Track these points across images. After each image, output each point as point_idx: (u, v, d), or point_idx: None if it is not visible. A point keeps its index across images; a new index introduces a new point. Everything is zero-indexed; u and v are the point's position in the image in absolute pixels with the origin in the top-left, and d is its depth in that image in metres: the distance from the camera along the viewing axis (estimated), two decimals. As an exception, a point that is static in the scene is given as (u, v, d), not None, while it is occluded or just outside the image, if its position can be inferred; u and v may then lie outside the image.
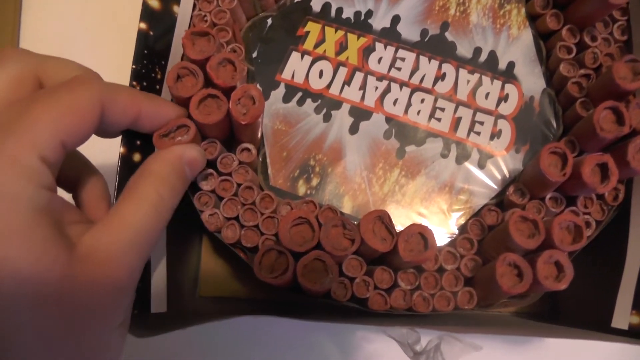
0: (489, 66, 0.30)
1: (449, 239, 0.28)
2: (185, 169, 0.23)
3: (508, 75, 0.30)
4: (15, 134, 0.17)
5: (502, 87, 0.30)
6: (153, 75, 0.27)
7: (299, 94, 0.30)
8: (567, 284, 0.25)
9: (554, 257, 0.25)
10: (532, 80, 0.30)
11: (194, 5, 0.30)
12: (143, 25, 0.27)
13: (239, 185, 0.27)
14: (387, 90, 0.30)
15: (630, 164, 0.26)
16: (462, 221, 0.28)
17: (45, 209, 0.17)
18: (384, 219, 0.25)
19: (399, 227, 0.27)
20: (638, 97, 0.26)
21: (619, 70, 0.27)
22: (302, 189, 0.28)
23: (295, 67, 0.30)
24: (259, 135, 0.29)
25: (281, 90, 0.30)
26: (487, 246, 0.27)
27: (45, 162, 0.18)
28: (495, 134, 0.29)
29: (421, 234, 0.25)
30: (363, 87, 0.30)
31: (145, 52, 0.27)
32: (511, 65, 0.30)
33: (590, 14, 0.28)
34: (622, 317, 0.26)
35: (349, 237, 0.25)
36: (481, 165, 0.29)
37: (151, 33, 0.27)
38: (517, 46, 0.30)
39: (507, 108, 0.29)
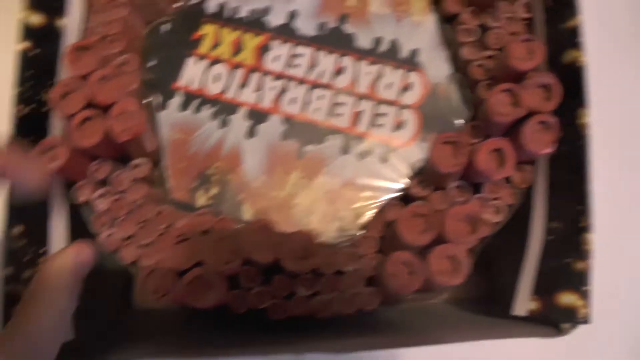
0: (391, 55, 0.29)
1: (351, 238, 0.27)
2: (80, 270, 0.22)
3: (411, 63, 0.29)
4: None
5: (406, 76, 0.29)
6: (38, 97, 0.27)
7: (196, 101, 0.29)
8: (463, 278, 0.24)
9: (449, 252, 0.24)
10: (437, 66, 0.29)
11: (85, 17, 0.30)
12: (24, 45, 0.27)
13: (134, 202, 0.27)
14: (285, 89, 0.29)
15: (527, 146, 0.25)
16: (365, 219, 0.27)
17: None
18: (267, 229, 0.24)
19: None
20: (534, 76, 0.25)
21: (514, 51, 0.26)
22: (201, 200, 0.28)
23: (191, 73, 0.30)
24: (152, 147, 0.28)
25: (178, 98, 0.29)
26: (387, 244, 0.26)
27: None
28: (399, 125, 0.28)
29: (305, 241, 0.24)
30: (260, 88, 0.29)
31: (31, 72, 0.27)
32: (415, 52, 0.29)
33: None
34: (523, 304, 0.25)
35: (232, 251, 0.24)
36: (384, 159, 0.28)
37: (36, 51, 0.27)
38: (421, 32, 0.29)
39: (412, 97, 0.28)
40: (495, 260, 0.28)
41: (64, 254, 0.22)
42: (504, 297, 0.27)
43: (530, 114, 0.25)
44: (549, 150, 0.25)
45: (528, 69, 0.25)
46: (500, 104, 0.25)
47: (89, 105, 0.26)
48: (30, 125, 0.26)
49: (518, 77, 0.26)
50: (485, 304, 0.29)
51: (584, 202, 0.25)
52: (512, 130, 0.26)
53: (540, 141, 0.25)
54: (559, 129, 0.25)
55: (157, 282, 0.24)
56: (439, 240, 0.24)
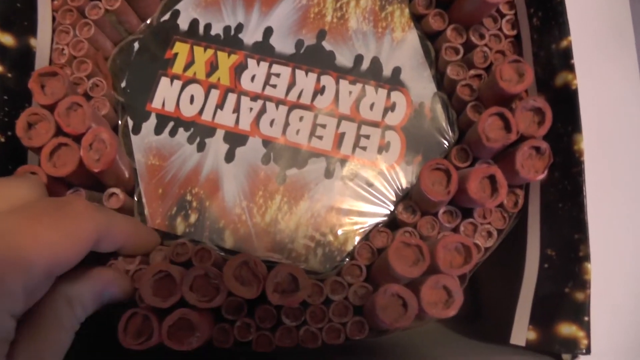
0: (373, 74, 0.28)
1: (337, 267, 0.26)
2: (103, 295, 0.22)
3: (394, 82, 0.28)
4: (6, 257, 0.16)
5: (388, 96, 0.28)
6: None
7: (171, 124, 0.28)
8: (456, 309, 0.23)
9: (441, 282, 0.23)
10: (421, 85, 0.28)
11: (52, 38, 0.28)
12: (-2, 69, 0.25)
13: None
14: (263, 110, 0.28)
15: (519, 173, 0.24)
16: (351, 245, 0.26)
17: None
18: (249, 264, 0.23)
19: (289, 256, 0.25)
20: (524, 99, 0.24)
21: (503, 72, 0.25)
22: (180, 227, 0.26)
23: (166, 94, 0.28)
24: (127, 174, 0.27)
25: (152, 121, 0.28)
26: (375, 273, 0.25)
27: (25, 289, 0.17)
28: (383, 147, 0.27)
29: (291, 274, 0.23)
30: (237, 109, 0.28)
31: (5, 97, 0.25)
32: (397, 71, 0.28)
33: (473, 13, 0.26)
34: (520, 333, 0.25)
35: (215, 286, 0.23)
36: (369, 183, 0.27)
37: (9, 75, 0.26)
38: (403, 50, 0.28)
39: (395, 117, 0.27)
40: (489, 285, 0.27)
41: (83, 280, 0.20)
42: (500, 325, 0.27)
43: (520, 139, 0.25)
44: (541, 176, 0.24)
45: (517, 92, 0.25)
46: (490, 129, 0.25)
47: (59, 133, 0.25)
48: (9, 153, 0.25)
49: (506, 99, 0.25)
50: (476, 326, 0.29)
51: (582, 230, 0.24)
52: (502, 154, 0.26)
53: (533, 167, 0.25)
54: (552, 154, 0.24)
55: (140, 325, 0.23)
56: (431, 270, 0.24)
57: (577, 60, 0.25)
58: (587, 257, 0.24)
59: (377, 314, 0.23)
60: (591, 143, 0.25)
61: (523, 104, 0.25)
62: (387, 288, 0.23)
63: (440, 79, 0.28)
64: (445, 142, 0.28)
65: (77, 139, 0.25)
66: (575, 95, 0.25)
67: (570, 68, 0.25)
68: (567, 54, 0.25)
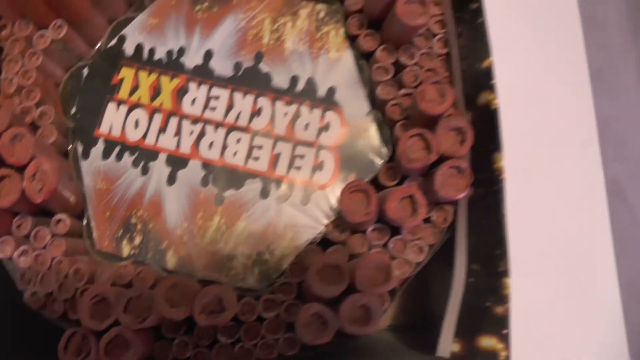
0: (308, 95, 0.29)
1: (274, 284, 0.27)
2: None
3: (328, 102, 0.29)
4: None
5: (323, 116, 0.28)
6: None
7: (117, 148, 0.29)
8: (376, 327, 0.24)
9: (360, 301, 0.24)
10: (355, 105, 0.28)
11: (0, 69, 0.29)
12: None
13: (53, 259, 0.27)
14: (202, 133, 0.29)
15: (439, 192, 0.25)
16: (286, 263, 0.27)
17: None
18: (179, 285, 0.24)
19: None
20: (445, 119, 0.25)
21: (425, 93, 0.25)
22: (126, 250, 0.28)
23: (112, 119, 0.29)
24: (75, 199, 0.28)
25: (100, 146, 0.29)
26: (304, 290, 0.26)
27: None
28: (317, 167, 0.28)
29: (217, 295, 0.24)
30: (178, 133, 0.29)
31: None
32: (332, 90, 0.29)
33: (401, 33, 0.27)
34: (446, 345, 0.26)
35: (148, 307, 0.24)
36: (304, 202, 0.28)
37: None
38: (338, 70, 0.29)
39: (329, 137, 0.28)
40: (422, 297, 0.28)
41: None
42: (431, 336, 0.28)
43: (443, 158, 0.25)
44: (462, 195, 0.25)
45: (439, 113, 0.25)
46: (411, 150, 0.25)
47: (2, 164, 0.26)
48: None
49: (432, 119, 0.26)
50: (410, 336, 0.29)
51: (502, 246, 0.25)
52: (429, 173, 0.26)
53: (454, 186, 0.25)
54: (474, 172, 0.25)
55: (79, 343, 0.25)
56: (352, 290, 0.24)
57: (502, 80, 0.25)
58: (506, 273, 0.25)
59: (299, 332, 0.24)
60: (513, 161, 0.26)
61: (444, 124, 0.25)
62: (309, 307, 0.24)
63: (373, 98, 0.29)
64: (379, 161, 0.28)
65: (21, 169, 0.26)
66: (495, 114, 0.25)
67: (491, 88, 0.25)
68: (489, 74, 0.25)
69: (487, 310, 0.25)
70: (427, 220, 0.27)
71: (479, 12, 0.26)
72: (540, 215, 0.32)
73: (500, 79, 0.25)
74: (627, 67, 0.66)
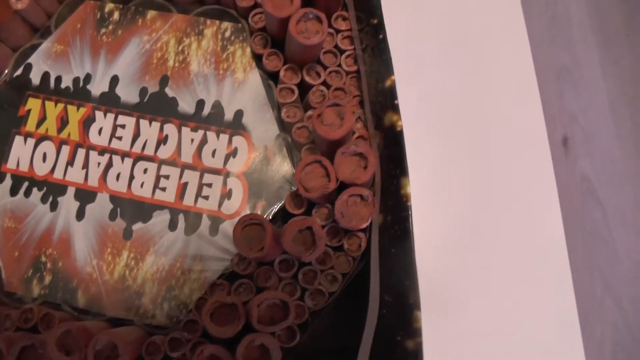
0: (214, 119, 0.27)
1: (183, 320, 0.26)
2: None
3: (236, 126, 0.27)
4: None
5: (230, 141, 0.27)
6: None
7: (26, 184, 0.28)
8: (276, 367, 0.23)
9: (257, 341, 0.23)
10: (263, 128, 0.27)
11: None
12: None
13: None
14: (110, 164, 0.27)
15: (339, 222, 0.23)
16: (195, 298, 0.26)
17: None
18: (71, 332, 0.23)
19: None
20: (346, 145, 0.23)
21: (324, 117, 0.24)
22: (36, 290, 0.27)
23: (20, 153, 0.28)
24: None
25: (8, 182, 0.28)
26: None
27: None
28: (225, 195, 0.27)
29: (111, 341, 0.23)
30: (86, 165, 0.28)
31: None
32: (239, 114, 0.27)
33: (302, 53, 0.25)
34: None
35: (42, 356, 0.23)
36: (212, 233, 0.26)
37: None
38: (245, 91, 0.27)
39: (237, 164, 0.27)
40: (335, 329, 0.27)
41: None
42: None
43: (345, 186, 0.24)
44: (365, 224, 0.24)
45: (337, 138, 0.23)
46: (308, 178, 0.24)
47: None
48: None
49: (335, 143, 0.24)
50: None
51: (411, 277, 0.23)
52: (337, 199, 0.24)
53: (357, 215, 0.24)
54: (383, 197, 0.23)
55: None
56: (249, 329, 0.23)
57: (405, 99, 0.24)
58: (417, 305, 0.23)
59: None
60: (419, 186, 0.24)
61: (343, 150, 0.24)
62: (203, 349, 0.23)
63: (282, 121, 0.27)
64: (287, 187, 0.27)
65: None
66: (400, 136, 0.23)
67: (395, 108, 0.23)
68: (392, 93, 0.24)
69: (398, 344, 0.24)
70: (339, 248, 0.26)
71: (379, 27, 0.24)
72: (449, 244, 0.30)
73: (405, 98, 0.24)
74: (592, 64, 0.63)
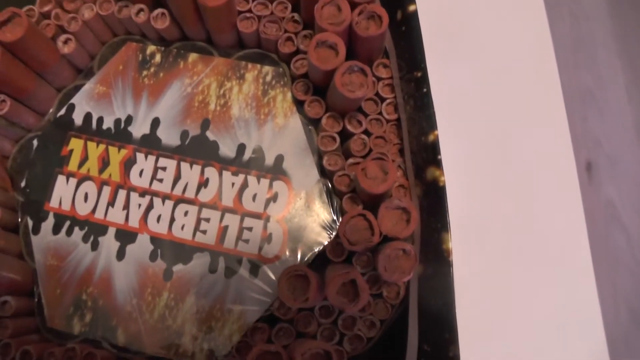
0: (255, 164, 0.28)
1: (222, 363, 0.27)
2: None
3: (276, 171, 0.28)
4: None
5: (270, 186, 0.28)
6: None
7: (67, 223, 0.29)
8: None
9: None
10: (303, 173, 0.28)
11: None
12: None
13: (1, 341, 0.27)
14: (150, 206, 0.28)
15: (382, 276, 0.24)
16: (235, 340, 0.27)
17: None
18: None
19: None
20: (391, 198, 0.24)
21: (367, 170, 0.24)
22: (77, 327, 0.28)
23: (62, 192, 0.29)
24: (20, 279, 0.28)
25: (51, 220, 0.29)
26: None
27: None
28: (265, 239, 0.27)
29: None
30: (126, 206, 0.28)
31: None
32: (279, 159, 0.28)
33: (344, 103, 0.26)
34: None
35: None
36: (252, 276, 0.27)
37: None
38: (285, 136, 0.28)
39: (277, 208, 0.28)
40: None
41: None
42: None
43: (388, 239, 0.24)
44: (407, 278, 0.24)
45: (382, 192, 0.24)
46: (352, 231, 0.24)
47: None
48: None
49: (377, 196, 0.25)
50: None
51: (451, 330, 0.24)
52: (377, 248, 0.25)
53: (398, 269, 0.24)
54: (423, 249, 0.24)
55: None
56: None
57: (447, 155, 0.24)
58: (456, 358, 0.24)
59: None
60: (458, 237, 0.25)
61: (387, 204, 0.24)
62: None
63: (322, 166, 0.28)
64: (327, 233, 0.27)
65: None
66: (442, 192, 0.24)
67: (438, 164, 0.24)
68: (435, 148, 0.24)
69: (438, 393, 0.24)
70: (379, 295, 0.27)
71: (423, 81, 0.25)
72: (488, 302, 0.31)
73: (447, 153, 0.24)
74: (616, 87, 0.63)
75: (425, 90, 0.25)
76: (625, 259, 0.62)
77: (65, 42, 0.30)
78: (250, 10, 0.29)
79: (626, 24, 0.64)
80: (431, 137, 0.25)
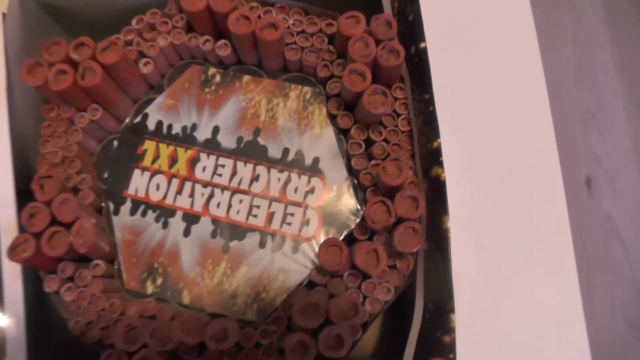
0: (297, 164, 0.40)
1: (269, 317, 0.39)
2: None
3: (313, 170, 0.40)
4: None
5: (309, 181, 0.40)
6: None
7: (142, 207, 0.41)
8: (347, 352, 0.36)
9: (335, 331, 0.35)
10: (335, 172, 0.40)
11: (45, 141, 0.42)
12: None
13: (93, 295, 0.39)
14: (211, 195, 0.40)
15: (397, 248, 0.36)
16: (279, 301, 0.39)
17: None
18: (192, 318, 0.36)
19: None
20: (402, 190, 0.36)
21: (386, 168, 0.37)
22: (150, 288, 0.40)
23: (138, 182, 0.41)
24: (108, 248, 0.40)
25: (128, 205, 0.41)
26: (292, 323, 0.38)
27: None
28: (304, 223, 0.40)
29: (223, 326, 0.36)
30: (192, 194, 0.41)
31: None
32: (316, 160, 0.40)
33: (368, 117, 0.38)
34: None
35: (168, 335, 0.36)
36: (294, 251, 0.39)
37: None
38: (320, 143, 0.40)
39: (314, 199, 0.40)
40: (387, 329, 0.39)
41: None
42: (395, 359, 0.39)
43: (401, 220, 0.37)
44: (415, 249, 0.36)
45: (397, 185, 0.36)
46: (374, 214, 0.36)
47: (54, 222, 0.38)
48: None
49: (393, 188, 0.37)
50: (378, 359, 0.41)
51: (448, 290, 0.36)
52: (392, 230, 0.37)
53: (409, 242, 0.36)
54: (428, 230, 0.36)
55: (114, 362, 0.36)
56: (327, 322, 0.36)
57: (447, 156, 0.37)
58: (452, 310, 0.36)
59: (287, 356, 0.36)
60: (456, 222, 0.37)
61: (402, 193, 0.37)
62: (294, 336, 0.36)
63: (350, 167, 0.40)
64: (354, 219, 0.40)
65: (68, 225, 0.38)
66: (443, 185, 0.36)
67: (440, 164, 0.37)
68: (438, 152, 0.37)
69: (438, 339, 0.36)
70: (393, 267, 0.39)
71: (430, 101, 0.37)
72: (479, 265, 0.43)
73: (447, 156, 0.37)
74: (616, 107, 0.76)
75: (431, 108, 0.37)
76: (623, 270, 0.73)
77: (145, 64, 0.43)
78: (295, 42, 0.42)
79: (626, 49, 0.77)
80: (435, 144, 0.37)
